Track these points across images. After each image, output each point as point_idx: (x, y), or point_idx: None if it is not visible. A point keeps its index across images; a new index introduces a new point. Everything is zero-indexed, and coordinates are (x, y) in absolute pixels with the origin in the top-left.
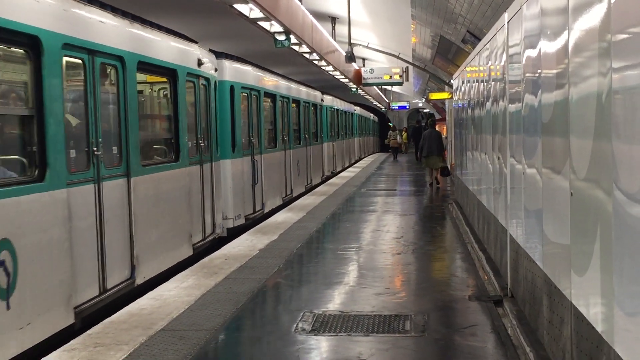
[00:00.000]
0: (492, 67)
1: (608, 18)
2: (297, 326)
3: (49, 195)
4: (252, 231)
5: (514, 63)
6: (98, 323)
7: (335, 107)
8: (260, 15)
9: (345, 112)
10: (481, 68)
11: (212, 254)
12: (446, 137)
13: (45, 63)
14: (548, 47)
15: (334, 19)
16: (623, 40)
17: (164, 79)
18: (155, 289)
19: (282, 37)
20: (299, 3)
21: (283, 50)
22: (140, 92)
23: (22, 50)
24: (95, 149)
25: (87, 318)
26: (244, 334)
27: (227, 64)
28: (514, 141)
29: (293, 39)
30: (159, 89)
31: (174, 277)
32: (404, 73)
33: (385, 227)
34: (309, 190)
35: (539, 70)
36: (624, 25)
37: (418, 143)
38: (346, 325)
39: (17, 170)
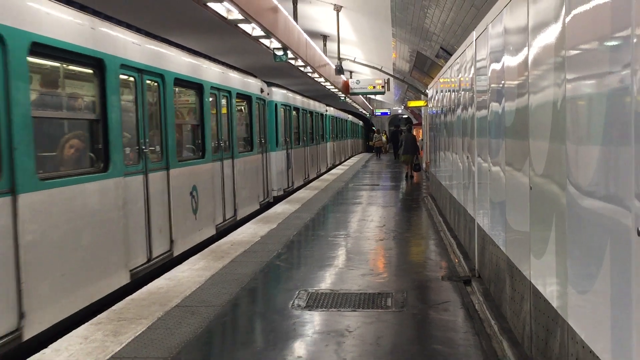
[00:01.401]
0: (462, 78)
1: (563, 36)
2: (293, 303)
3: (205, 165)
4: (255, 220)
5: (480, 75)
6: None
7: (335, 116)
8: (262, 33)
9: (342, 119)
10: (452, 79)
11: (220, 241)
12: (421, 140)
13: (204, 97)
14: (510, 61)
15: (325, 37)
16: (576, 55)
17: (244, 102)
18: (170, 271)
19: (280, 53)
20: (294, 23)
21: (281, 64)
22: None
23: (194, 91)
24: (221, 142)
25: (219, 234)
26: (247, 309)
27: (274, 89)
28: (480, 143)
29: (290, 54)
30: (242, 107)
31: (187, 260)
32: (386, 84)
33: (370, 217)
34: (319, 176)
35: (502, 81)
36: (577, 42)
37: (396, 144)
38: (336, 301)
39: (192, 153)
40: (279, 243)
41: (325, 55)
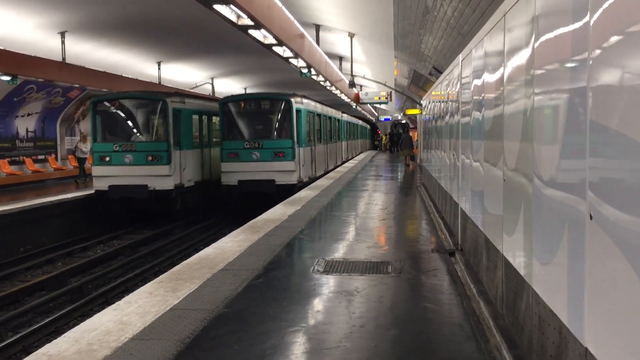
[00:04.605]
0: (450, 92)
1: (532, 58)
2: (313, 268)
3: (318, 146)
4: (284, 202)
5: (465, 89)
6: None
7: (360, 124)
8: (291, 55)
9: (362, 125)
10: (442, 92)
11: (255, 218)
12: (416, 140)
13: (322, 118)
14: (489, 78)
15: (341, 58)
16: (542, 73)
17: (337, 121)
18: (216, 242)
19: (305, 70)
20: (317, 46)
21: (306, 79)
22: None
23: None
24: (334, 136)
25: (320, 175)
26: (277, 273)
27: (345, 115)
28: (464, 143)
29: (313, 72)
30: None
31: (230, 233)
32: (389, 95)
33: (374, 201)
34: (354, 157)
35: (482, 94)
36: (544, 63)
37: (394, 143)
38: (347, 268)
39: (318, 141)
40: (302, 221)
41: (341, 72)
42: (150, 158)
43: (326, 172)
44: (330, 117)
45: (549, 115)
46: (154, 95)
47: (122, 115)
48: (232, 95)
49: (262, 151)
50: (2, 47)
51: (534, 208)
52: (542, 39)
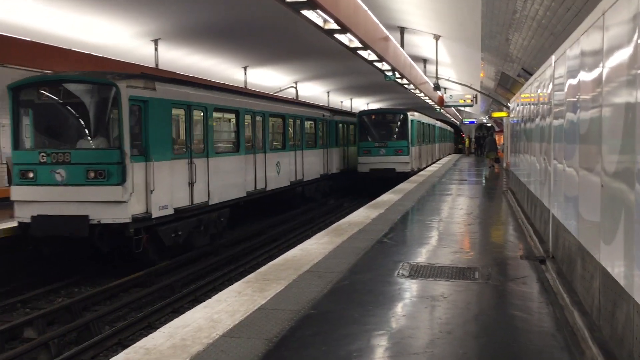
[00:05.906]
0: (540, 93)
1: (635, 56)
2: (398, 272)
3: (422, 146)
4: (367, 206)
5: (558, 91)
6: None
7: (448, 129)
8: (376, 58)
9: (446, 129)
10: (532, 94)
11: (339, 221)
12: (502, 144)
13: (426, 125)
14: (586, 78)
15: (425, 60)
16: None
17: (431, 126)
18: (302, 244)
19: (390, 73)
20: (401, 49)
21: (390, 82)
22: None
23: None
24: (428, 139)
25: (424, 167)
26: (361, 276)
27: (438, 122)
28: (557, 147)
29: (397, 74)
30: (431, 130)
31: (315, 236)
32: (474, 98)
33: (459, 206)
34: (441, 159)
35: (578, 96)
36: None
37: (480, 146)
38: (432, 273)
39: (422, 142)
40: (386, 224)
41: (425, 75)
42: (92, 175)
43: (427, 165)
44: (429, 125)
45: None
46: (100, 78)
47: (54, 108)
48: (366, 110)
49: (387, 149)
50: (101, 55)
51: (637, 215)
52: None
